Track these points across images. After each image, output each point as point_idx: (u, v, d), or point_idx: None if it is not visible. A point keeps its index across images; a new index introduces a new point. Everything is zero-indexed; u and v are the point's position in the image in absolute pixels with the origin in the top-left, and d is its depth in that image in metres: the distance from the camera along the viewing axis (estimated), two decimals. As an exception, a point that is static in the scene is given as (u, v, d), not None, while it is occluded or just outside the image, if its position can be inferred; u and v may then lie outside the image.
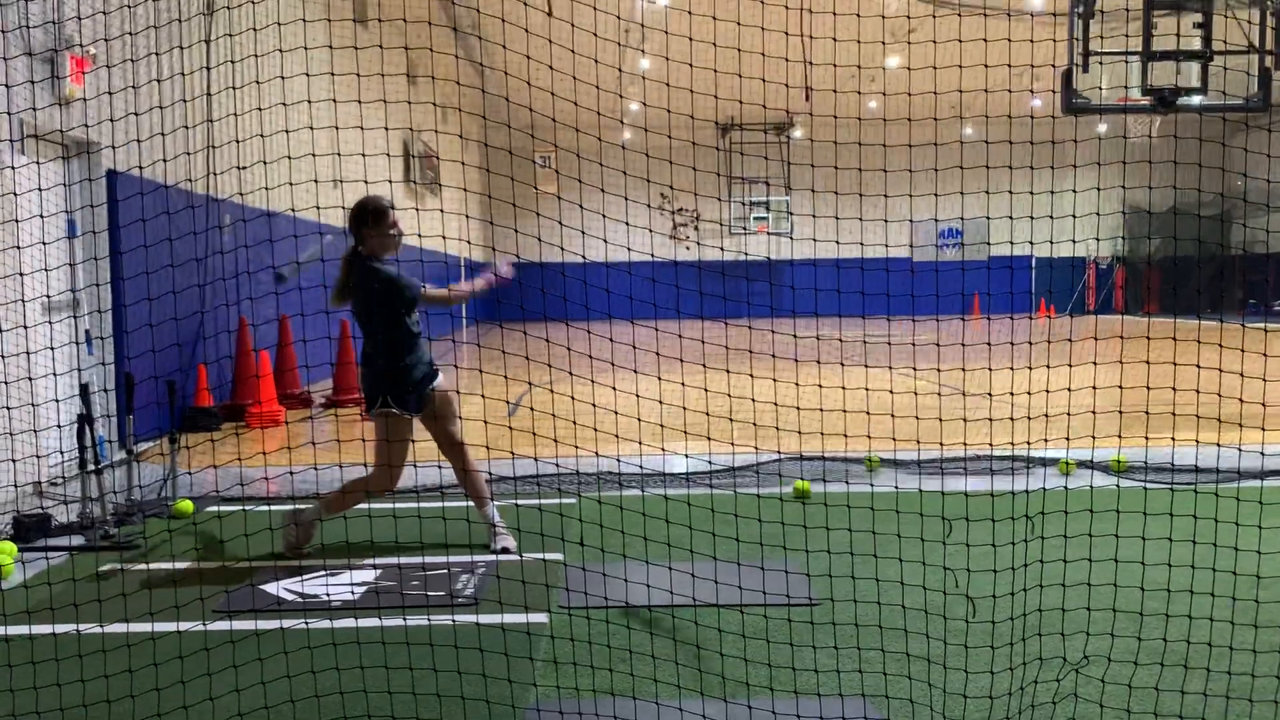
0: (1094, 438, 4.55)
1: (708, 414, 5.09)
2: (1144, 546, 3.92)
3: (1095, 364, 4.42)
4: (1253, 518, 4.57)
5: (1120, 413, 4.69)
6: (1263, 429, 6.66)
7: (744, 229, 31.87)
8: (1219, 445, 5.25)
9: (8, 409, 5.89)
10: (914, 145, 4.85)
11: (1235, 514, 4.18)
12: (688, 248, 30.64)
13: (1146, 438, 4.85)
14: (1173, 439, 4.77)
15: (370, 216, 4.96)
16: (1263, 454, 5.86)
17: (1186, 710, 3.10)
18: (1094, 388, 4.50)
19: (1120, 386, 4.35)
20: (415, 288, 4.98)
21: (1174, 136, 4.36)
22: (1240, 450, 5.09)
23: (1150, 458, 6.61)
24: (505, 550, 5.08)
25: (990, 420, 6.65)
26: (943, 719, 3.11)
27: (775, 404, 5.03)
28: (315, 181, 7.71)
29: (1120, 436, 4.76)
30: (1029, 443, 6.35)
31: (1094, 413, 4.67)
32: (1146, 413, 4.56)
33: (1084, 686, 3.29)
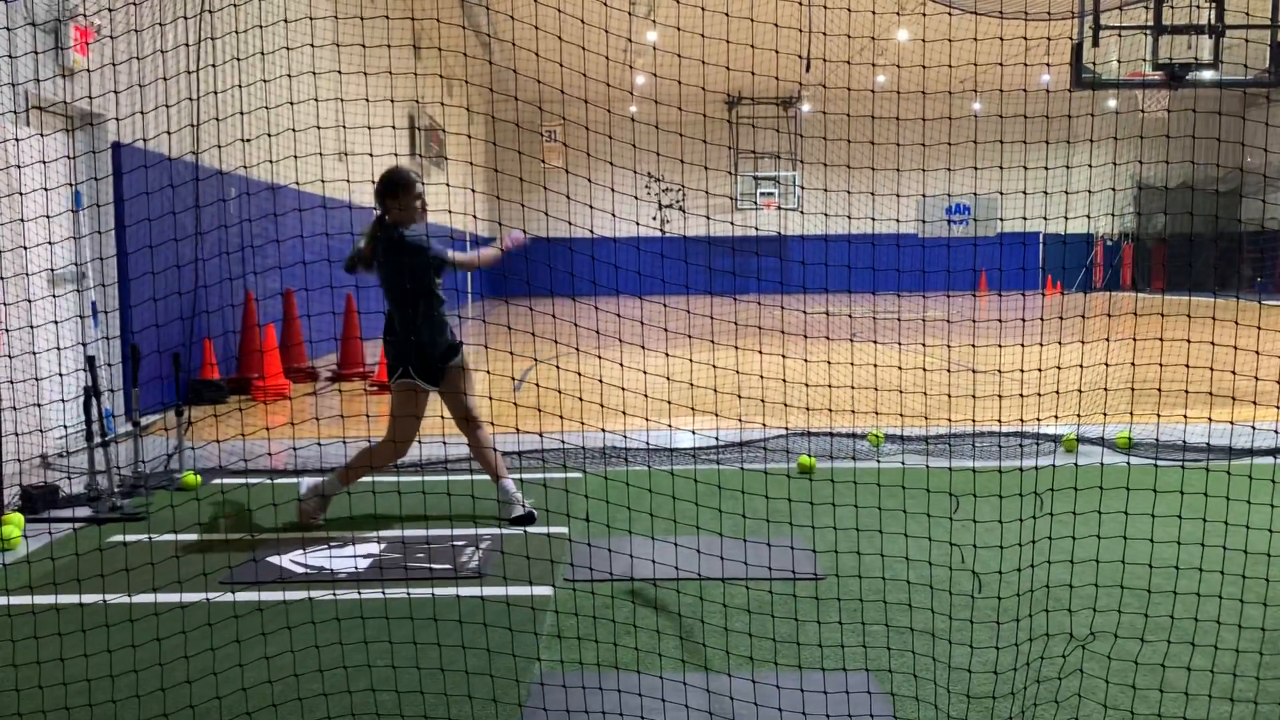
0: (1105, 414, 4.51)
1: (715, 390, 5.07)
2: (1153, 524, 3.90)
3: (1108, 341, 4.37)
4: (1263, 495, 4.54)
5: (1132, 389, 4.65)
6: (1278, 407, 6.61)
7: (753, 204, 31.73)
8: (1232, 423, 5.20)
9: (11, 383, 5.89)
10: (915, 120, 4.79)
11: (1247, 491, 4.14)
12: (663, 231, 30.56)
13: (1158, 415, 4.81)
14: (1185, 416, 4.73)
15: (397, 188, 4.98)
16: (1276, 432, 5.80)
17: (1192, 687, 3.09)
18: (1105, 365, 4.47)
19: (1133, 364, 4.31)
20: (444, 254, 5.00)
21: (1169, 111, 4.29)
22: (1254, 428, 5.04)
23: (1161, 434, 6.56)
24: (518, 521, 5.07)
25: (999, 397, 6.61)
26: (946, 693, 3.10)
27: (784, 380, 5.00)
28: (320, 155, 7.67)
29: (1132, 415, 4.72)
30: (1038, 419, 6.31)
31: (1105, 390, 4.63)
32: (1159, 389, 4.52)
33: (1089, 662, 3.28)
